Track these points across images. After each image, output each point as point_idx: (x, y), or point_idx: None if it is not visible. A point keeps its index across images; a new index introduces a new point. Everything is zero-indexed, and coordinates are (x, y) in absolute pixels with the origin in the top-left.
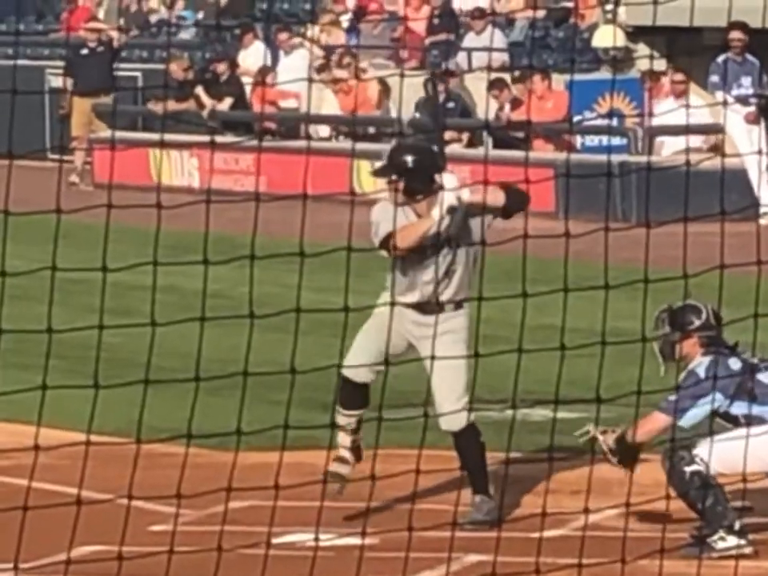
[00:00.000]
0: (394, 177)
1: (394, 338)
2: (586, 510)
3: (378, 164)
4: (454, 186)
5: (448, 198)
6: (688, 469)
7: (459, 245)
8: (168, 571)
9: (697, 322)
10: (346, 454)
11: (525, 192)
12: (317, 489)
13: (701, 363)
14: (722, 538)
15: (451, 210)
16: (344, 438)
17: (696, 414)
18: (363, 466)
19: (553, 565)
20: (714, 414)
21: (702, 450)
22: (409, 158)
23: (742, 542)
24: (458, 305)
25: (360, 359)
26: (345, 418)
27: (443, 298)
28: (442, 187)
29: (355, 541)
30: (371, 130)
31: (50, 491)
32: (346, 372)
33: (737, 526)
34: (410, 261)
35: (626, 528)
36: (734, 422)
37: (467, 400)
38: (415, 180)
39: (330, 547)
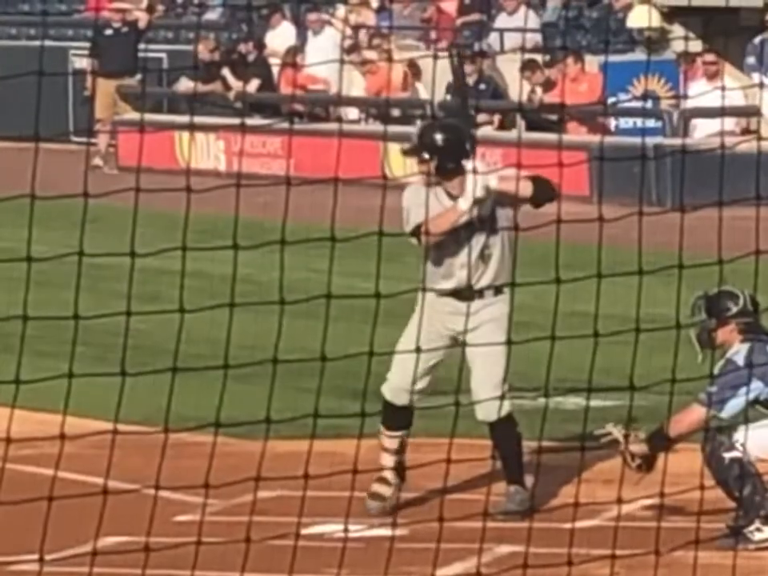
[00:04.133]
0: (425, 156)
1: (437, 341)
2: (620, 500)
3: (408, 144)
4: (483, 174)
5: (477, 187)
6: (727, 455)
7: (493, 227)
8: (195, 562)
9: (734, 309)
10: (389, 475)
11: (553, 183)
12: (347, 479)
13: (739, 351)
14: (759, 529)
15: (480, 200)
16: (386, 459)
17: (736, 404)
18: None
19: (586, 556)
20: (754, 401)
21: (742, 435)
22: (439, 137)
23: None
24: (498, 290)
25: (401, 382)
26: (388, 439)
27: (481, 283)
28: (474, 170)
29: (385, 532)
30: (395, 112)
31: (76, 481)
32: (386, 394)
33: None
34: (443, 245)
35: (660, 518)
36: None
37: (505, 389)
38: (447, 159)
39: (360, 538)
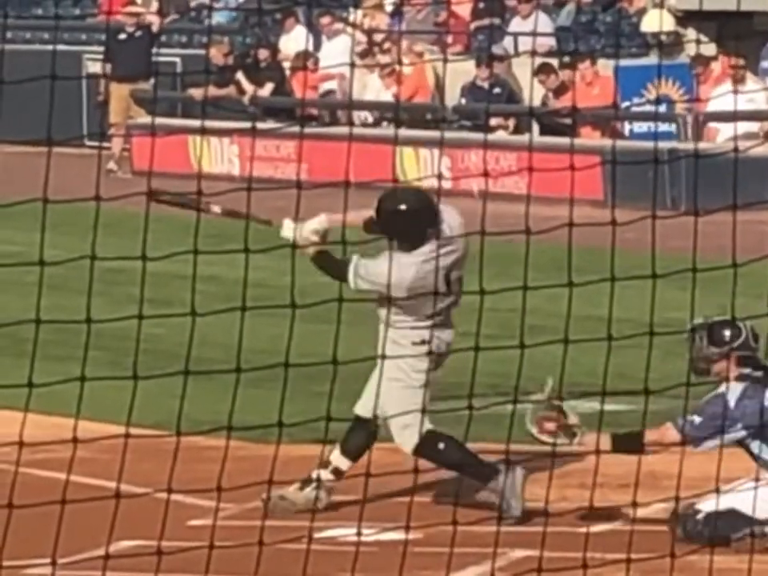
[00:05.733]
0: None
1: None
2: (635, 504)
3: (367, 214)
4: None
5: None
6: (700, 516)
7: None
8: (208, 566)
9: (735, 342)
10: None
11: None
12: (359, 482)
13: (732, 390)
14: None
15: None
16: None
17: (711, 445)
18: (407, 458)
19: (600, 560)
20: (735, 442)
21: (705, 505)
22: (400, 220)
23: None
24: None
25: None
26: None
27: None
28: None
29: (399, 536)
30: (428, 116)
31: (89, 485)
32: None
33: None
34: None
35: (675, 522)
36: (749, 454)
37: (410, 417)
38: (406, 238)
39: (373, 542)
